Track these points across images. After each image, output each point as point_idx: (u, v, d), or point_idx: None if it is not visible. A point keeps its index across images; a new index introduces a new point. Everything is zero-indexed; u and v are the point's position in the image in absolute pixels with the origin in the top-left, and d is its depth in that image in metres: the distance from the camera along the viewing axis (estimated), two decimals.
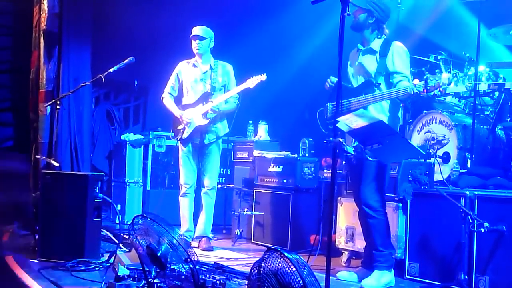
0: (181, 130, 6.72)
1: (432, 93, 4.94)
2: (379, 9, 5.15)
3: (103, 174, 5.96)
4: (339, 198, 6.14)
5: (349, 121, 4.10)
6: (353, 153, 4.19)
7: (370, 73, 5.17)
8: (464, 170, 6.19)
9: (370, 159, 4.94)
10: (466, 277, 4.81)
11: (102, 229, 5.86)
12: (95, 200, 5.45)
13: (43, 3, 7.94)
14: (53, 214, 5.42)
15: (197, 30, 6.69)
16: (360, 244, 5.78)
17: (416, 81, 4.77)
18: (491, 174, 5.96)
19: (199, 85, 6.76)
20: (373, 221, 5.12)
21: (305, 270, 2.86)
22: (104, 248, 5.77)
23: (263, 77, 6.59)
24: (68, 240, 5.32)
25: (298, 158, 6.94)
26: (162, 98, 6.93)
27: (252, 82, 6.59)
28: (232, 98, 6.74)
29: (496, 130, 6.51)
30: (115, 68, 6.34)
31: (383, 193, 5.16)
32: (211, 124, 6.68)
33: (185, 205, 6.82)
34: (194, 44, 6.70)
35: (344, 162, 5.67)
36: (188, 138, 6.71)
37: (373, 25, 5.19)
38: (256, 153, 7.60)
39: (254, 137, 8.31)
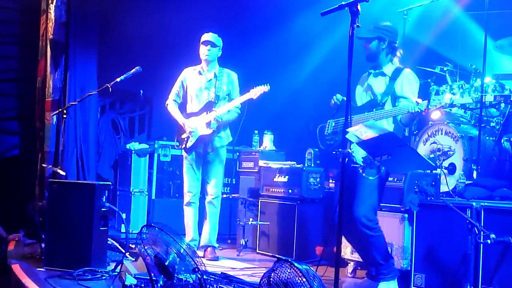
0: (185, 139, 6.72)
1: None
2: (387, 32, 5.19)
3: (110, 183, 5.96)
4: None
5: (358, 132, 4.11)
6: (362, 164, 4.19)
7: (377, 94, 5.20)
8: (470, 182, 6.18)
9: (371, 178, 4.96)
10: None
11: (108, 238, 5.86)
12: (102, 209, 5.45)
13: (50, 13, 7.99)
14: (59, 223, 5.42)
15: (209, 36, 6.69)
16: None
17: (419, 100, 4.79)
18: (497, 185, 5.95)
19: (204, 93, 6.76)
20: (373, 239, 5.10)
21: (315, 281, 2.86)
22: (110, 257, 5.76)
23: (266, 88, 6.60)
24: (74, 249, 5.31)
25: (304, 168, 6.94)
26: (167, 104, 6.95)
27: (255, 92, 6.59)
28: (234, 107, 6.75)
29: (502, 141, 6.51)
30: (122, 77, 6.37)
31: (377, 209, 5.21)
32: (214, 133, 6.68)
33: (189, 214, 6.82)
34: (204, 49, 6.69)
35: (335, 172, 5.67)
36: (191, 147, 6.71)
37: (387, 48, 5.23)
38: (261, 163, 7.60)
39: (259, 147, 8.32)
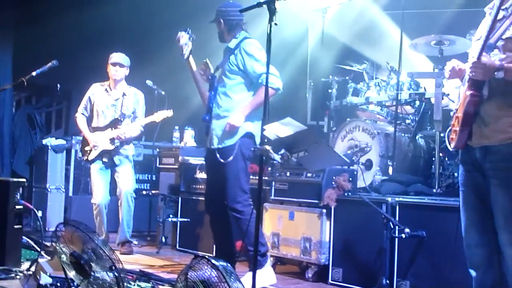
0: (88, 152, 6.88)
1: None
2: (221, 12, 5.46)
3: (25, 180, 5.80)
4: (264, 204, 6.15)
5: (276, 130, 4.14)
6: (280, 161, 4.21)
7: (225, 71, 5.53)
8: (386, 177, 6.33)
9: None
10: (387, 281, 4.91)
11: (23, 237, 5.71)
12: (16, 207, 5.30)
13: None
14: None
15: (118, 57, 6.90)
16: (285, 250, 5.83)
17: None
18: (412, 181, 6.11)
19: (110, 110, 6.94)
20: (243, 222, 5.16)
21: (231, 276, 2.88)
22: (25, 256, 5.62)
23: (169, 113, 6.96)
24: None
25: None
26: (75, 117, 7.08)
27: (159, 116, 6.93)
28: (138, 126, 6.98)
29: (417, 138, 6.69)
30: (37, 71, 6.21)
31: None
32: (118, 148, 6.87)
33: (99, 218, 6.89)
34: (113, 70, 6.88)
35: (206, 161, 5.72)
36: (96, 157, 6.86)
37: (226, 27, 5.47)
38: (182, 159, 7.56)
39: (180, 143, 8.28)
